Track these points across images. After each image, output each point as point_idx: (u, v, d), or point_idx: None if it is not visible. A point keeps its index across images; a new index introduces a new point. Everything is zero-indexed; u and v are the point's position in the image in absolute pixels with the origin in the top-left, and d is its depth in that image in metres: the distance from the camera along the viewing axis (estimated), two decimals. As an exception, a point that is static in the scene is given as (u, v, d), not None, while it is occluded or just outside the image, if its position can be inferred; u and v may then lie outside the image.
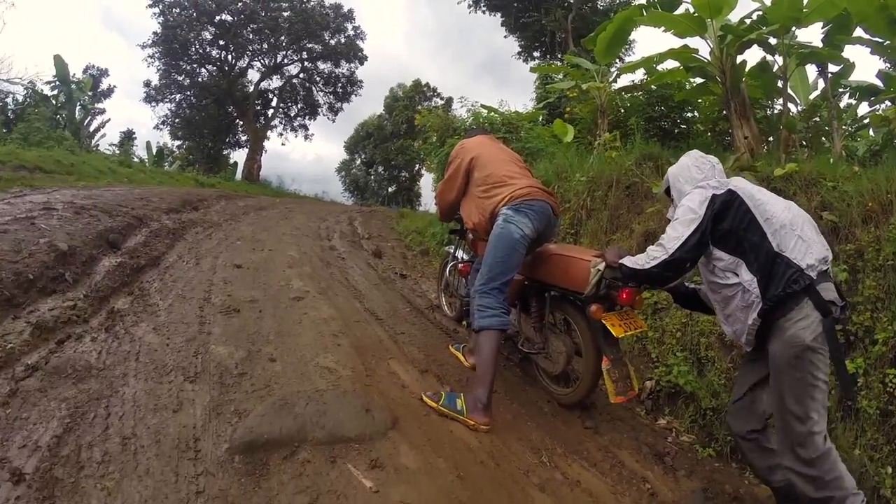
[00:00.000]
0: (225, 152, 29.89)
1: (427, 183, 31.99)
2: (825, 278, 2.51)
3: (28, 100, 20.44)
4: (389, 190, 35.87)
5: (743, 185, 2.76)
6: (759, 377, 2.68)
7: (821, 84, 6.91)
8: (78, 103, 21.04)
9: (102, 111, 23.65)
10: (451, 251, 5.28)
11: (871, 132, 7.64)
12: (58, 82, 20.68)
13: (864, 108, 7.25)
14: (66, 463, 2.05)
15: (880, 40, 5.81)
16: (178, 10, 25.65)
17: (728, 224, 2.64)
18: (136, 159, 19.23)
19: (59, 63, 20.27)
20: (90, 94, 23.40)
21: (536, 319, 3.91)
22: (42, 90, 20.99)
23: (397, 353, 3.89)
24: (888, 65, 7.35)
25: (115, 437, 2.25)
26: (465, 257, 4.93)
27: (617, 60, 9.99)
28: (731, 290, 2.66)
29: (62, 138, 15.73)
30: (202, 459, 2.17)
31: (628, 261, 2.92)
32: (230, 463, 2.16)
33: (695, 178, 2.86)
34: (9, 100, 20.98)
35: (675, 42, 6.73)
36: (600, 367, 3.27)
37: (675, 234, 2.71)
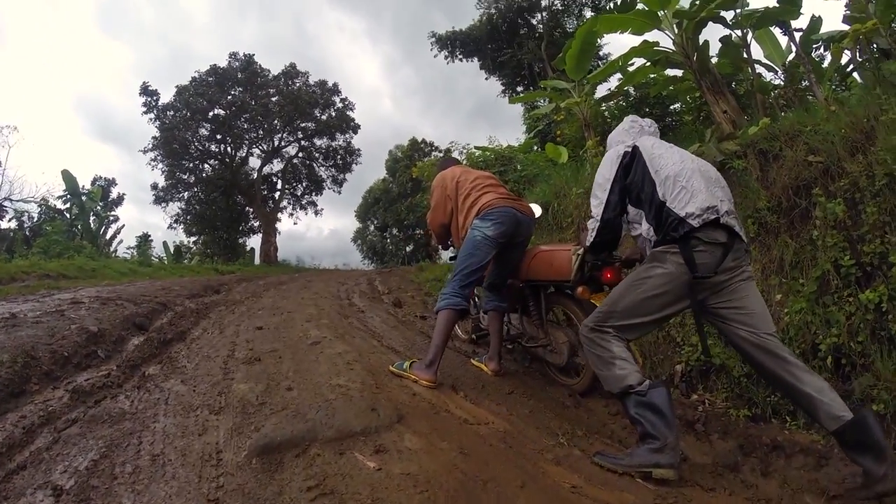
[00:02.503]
0: (241, 240, 30.36)
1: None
2: (714, 226, 2.68)
3: (43, 216, 21.11)
4: (407, 249, 36.15)
5: (645, 142, 3.01)
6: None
7: (794, 47, 7.05)
8: (91, 213, 21.62)
9: (116, 219, 24.27)
10: None
11: (858, 78, 7.60)
12: (69, 196, 21.33)
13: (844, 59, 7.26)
14: (102, 475, 2.30)
15: None
16: (171, 113, 26.55)
17: (630, 178, 2.92)
18: (155, 259, 19.63)
19: (68, 177, 20.90)
20: (102, 203, 24.04)
21: (537, 318, 4.19)
22: (55, 205, 21.75)
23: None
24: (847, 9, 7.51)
25: (145, 456, 2.49)
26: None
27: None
28: (640, 242, 2.98)
29: (81, 247, 16.23)
30: (223, 465, 2.39)
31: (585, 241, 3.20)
32: (248, 465, 2.37)
33: (622, 141, 3.13)
34: (24, 218, 21.78)
35: (639, 41, 7.01)
36: None
37: (597, 201, 3.02)
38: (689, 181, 2.75)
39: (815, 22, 7.13)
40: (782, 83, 7.28)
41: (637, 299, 2.78)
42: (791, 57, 7.31)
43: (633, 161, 2.94)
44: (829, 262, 3.60)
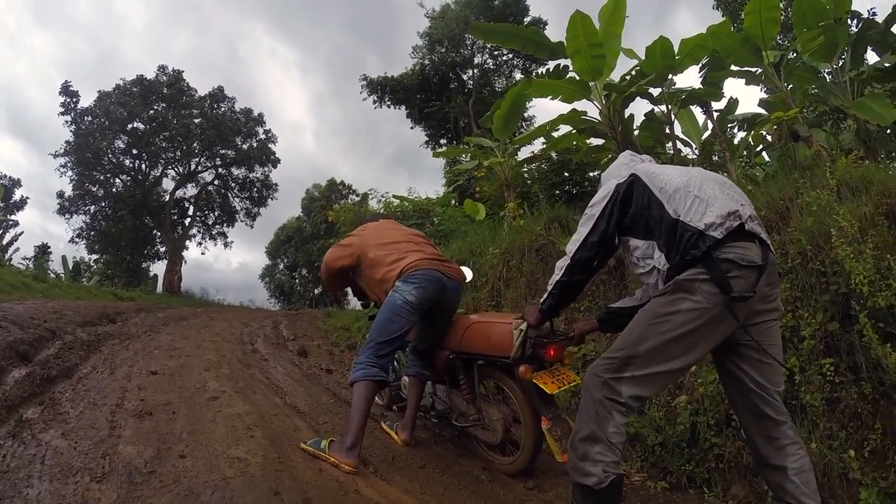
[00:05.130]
0: (144, 265, 29.20)
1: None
2: (739, 235, 2.33)
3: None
4: (316, 292, 35.51)
5: (643, 167, 2.73)
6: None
7: (711, 125, 7.69)
8: (-11, 214, 20.33)
9: (16, 223, 22.92)
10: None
11: (766, 157, 8.27)
12: (-34, 191, 19.93)
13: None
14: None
15: (752, 69, 6.51)
16: (89, 119, 25.59)
17: (634, 208, 2.57)
18: (51, 274, 18.47)
19: (-31, 170, 19.59)
20: (2, 204, 22.63)
21: (468, 392, 3.95)
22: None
23: (316, 441, 3.89)
24: (766, 93, 8.16)
25: (14, 534, 2.24)
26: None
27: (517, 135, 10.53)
28: (651, 277, 2.62)
29: (-30, 250, 15.17)
30: (104, 550, 2.18)
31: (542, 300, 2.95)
32: (133, 553, 2.17)
33: (617, 175, 2.79)
34: None
35: (567, 108, 7.27)
36: (541, 429, 3.28)
37: (576, 237, 2.71)
38: (700, 189, 2.42)
39: (732, 104, 7.77)
40: (697, 158, 7.70)
41: (661, 341, 2.32)
42: (707, 134, 7.90)
43: (632, 189, 2.60)
44: (742, 334, 3.72)
